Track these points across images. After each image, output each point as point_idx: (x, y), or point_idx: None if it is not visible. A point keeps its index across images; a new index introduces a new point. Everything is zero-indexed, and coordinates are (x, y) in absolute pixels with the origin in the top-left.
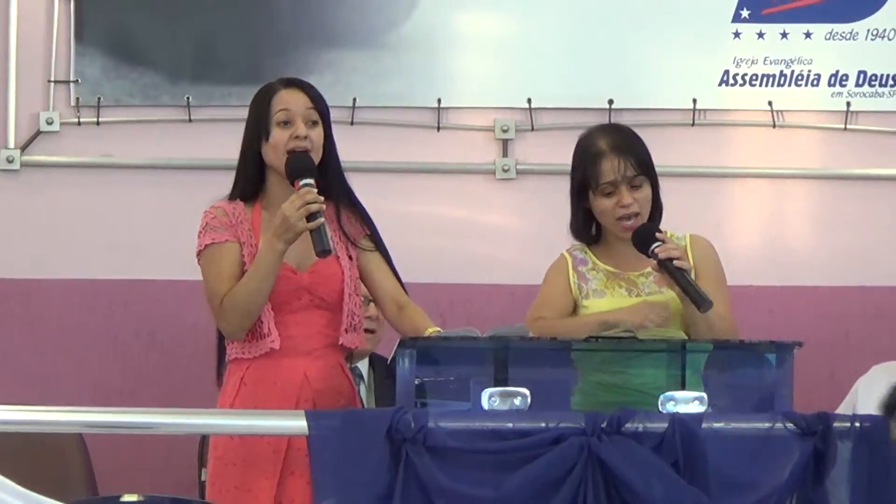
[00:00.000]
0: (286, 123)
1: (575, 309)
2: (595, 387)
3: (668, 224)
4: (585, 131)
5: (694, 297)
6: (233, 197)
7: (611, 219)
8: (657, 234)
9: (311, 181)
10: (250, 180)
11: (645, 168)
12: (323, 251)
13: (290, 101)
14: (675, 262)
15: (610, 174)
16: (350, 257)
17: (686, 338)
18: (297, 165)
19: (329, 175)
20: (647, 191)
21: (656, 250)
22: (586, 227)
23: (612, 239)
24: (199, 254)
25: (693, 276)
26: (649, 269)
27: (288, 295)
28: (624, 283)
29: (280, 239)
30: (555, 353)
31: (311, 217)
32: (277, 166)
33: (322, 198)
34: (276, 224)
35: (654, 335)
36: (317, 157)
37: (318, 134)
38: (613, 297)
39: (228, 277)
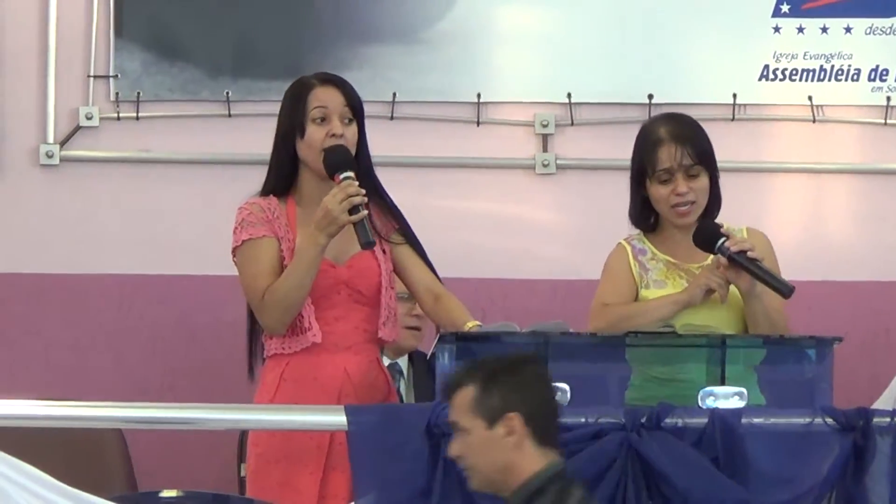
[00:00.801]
0: (322, 120)
1: (636, 297)
2: (649, 381)
3: (722, 217)
4: (648, 120)
5: (775, 284)
6: (265, 192)
7: (666, 206)
8: (723, 231)
9: (352, 174)
10: (283, 175)
11: (703, 158)
12: (367, 243)
13: (327, 99)
14: (748, 253)
15: (666, 161)
16: (384, 251)
17: (726, 333)
18: (337, 159)
19: (360, 172)
20: (704, 181)
21: (727, 244)
22: (643, 215)
23: (669, 228)
24: (235, 250)
25: None
26: (707, 261)
27: (327, 289)
28: (684, 274)
29: (323, 232)
30: (594, 348)
31: (353, 210)
32: (311, 163)
33: (363, 190)
34: (319, 217)
35: (695, 330)
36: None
37: (352, 132)
38: (674, 287)
39: (268, 273)
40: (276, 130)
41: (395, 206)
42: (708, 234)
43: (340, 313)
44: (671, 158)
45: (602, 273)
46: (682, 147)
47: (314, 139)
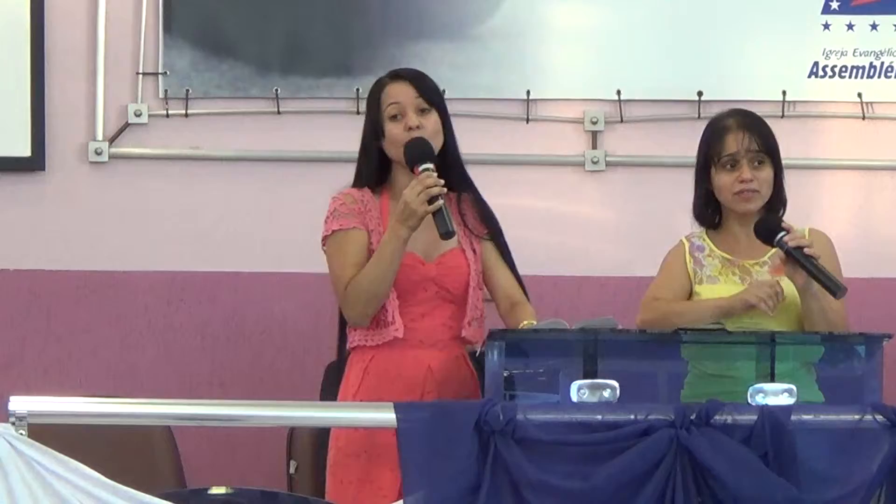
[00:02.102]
0: (397, 117)
1: (690, 294)
2: (702, 378)
3: None
4: (716, 114)
5: (827, 283)
6: (362, 184)
7: (729, 194)
8: (783, 226)
9: (430, 165)
10: (373, 172)
11: (769, 150)
12: (446, 233)
13: (398, 94)
14: (804, 249)
15: (733, 146)
16: (474, 251)
17: (776, 330)
18: (416, 152)
19: (448, 162)
20: (768, 172)
21: (785, 238)
22: (707, 210)
23: (731, 224)
24: (324, 239)
25: None
26: (765, 258)
27: (414, 285)
28: (738, 271)
29: (403, 225)
30: (643, 345)
31: (431, 201)
32: (397, 158)
33: (442, 181)
34: (399, 210)
35: (744, 327)
36: (436, 143)
37: (431, 120)
38: (727, 283)
39: (354, 264)
40: (363, 130)
41: (486, 205)
42: (769, 226)
43: (426, 310)
44: (738, 143)
45: (659, 268)
46: (749, 134)
47: (394, 136)
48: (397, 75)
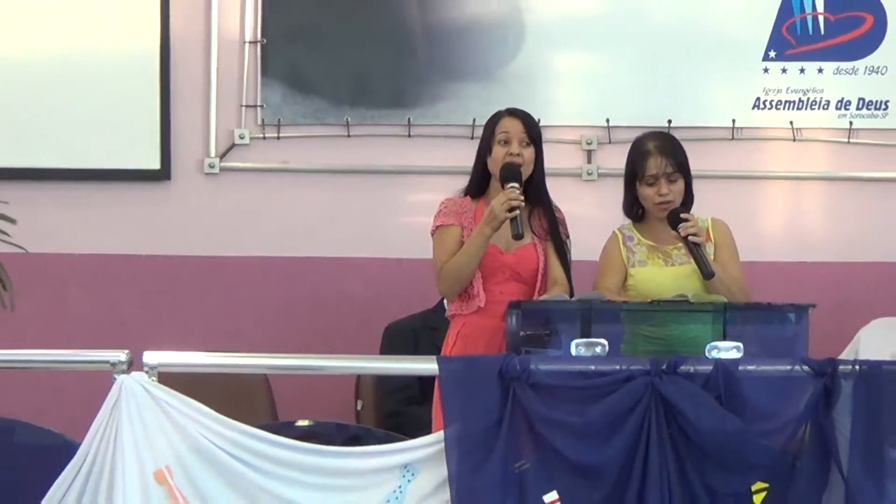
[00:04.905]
0: (505, 143)
1: (626, 276)
2: (640, 339)
3: (724, 214)
4: (640, 135)
5: (700, 266)
6: (465, 193)
7: (651, 203)
8: (682, 216)
9: (516, 185)
10: (477, 182)
11: (681, 167)
12: (516, 235)
13: (510, 127)
14: (690, 238)
15: (653, 169)
16: (544, 249)
17: (726, 301)
18: (508, 173)
19: (533, 184)
20: (681, 184)
21: (679, 227)
22: (633, 208)
23: (653, 218)
24: (432, 231)
25: (713, 249)
26: (680, 242)
27: (495, 269)
28: (661, 255)
29: (488, 226)
30: (626, 314)
31: (511, 210)
32: (496, 174)
33: (522, 197)
34: (486, 214)
35: (701, 299)
36: (527, 170)
37: (529, 153)
38: (654, 265)
39: (448, 252)
40: (478, 148)
41: (554, 216)
42: (674, 217)
43: (505, 288)
44: (657, 167)
45: (600, 255)
46: (665, 158)
47: (497, 156)
48: (513, 113)
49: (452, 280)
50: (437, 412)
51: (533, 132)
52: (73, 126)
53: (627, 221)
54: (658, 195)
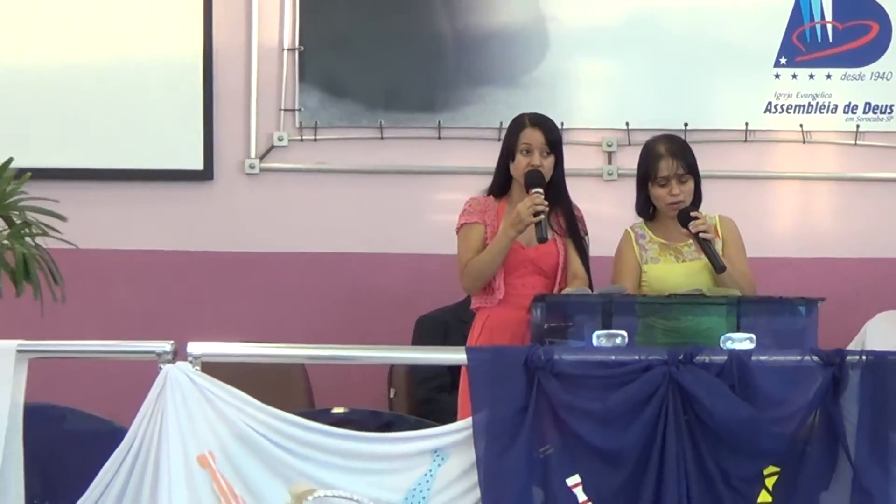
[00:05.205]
0: (527, 152)
1: (640, 272)
2: (654, 332)
3: (737, 212)
4: (650, 139)
5: (712, 261)
6: (489, 192)
7: (663, 203)
8: (692, 214)
9: (540, 190)
10: (500, 184)
11: (691, 169)
12: (541, 238)
13: (532, 138)
14: (701, 234)
15: (665, 171)
16: (563, 245)
17: (739, 295)
18: (532, 179)
19: (553, 186)
20: (691, 185)
21: (689, 225)
22: (645, 207)
23: (664, 217)
24: (457, 229)
25: (721, 245)
26: (690, 240)
27: (518, 263)
28: (673, 252)
29: (513, 227)
30: (643, 306)
31: (536, 214)
32: (519, 179)
33: (546, 202)
34: (512, 217)
35: (715, 293)
36: (547, 176)
37: (550, 162)
38: (666, 262)
39: (472, 250)
40: (500, 151)
41: (573, 215)
42: (684, 216)
43: (527, 282)
44: (668, 169)
45: (614, 255)
46: (676, 161)
47: (520, 165)
48: (535, 123)
49: (475, 277)
50: (463, 400)
51: (553, 140)
52: (122, 129)
53: (640, 220)
54: (670, 195)
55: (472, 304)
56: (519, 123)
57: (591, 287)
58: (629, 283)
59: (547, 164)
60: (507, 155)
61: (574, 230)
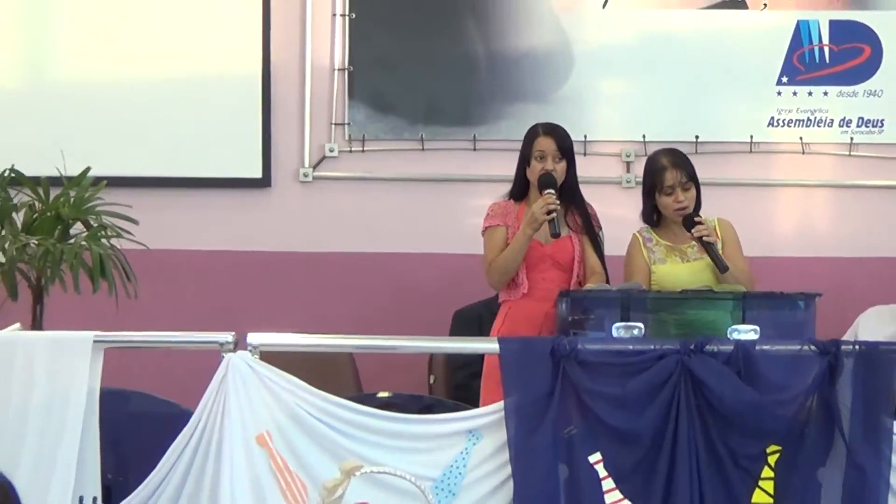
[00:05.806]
0: (541, 158)
1: (650, 272)
2: (664, 325)
3: (742, 217)
4: (653, 153)
5: (716, 262)
6: (509, 197)
7: (670, 210)
8: (696, 219)
9: (553, 191)
10: (519, 189)
11: (691, 177)
12: (554, 234)
13: (545, 146)
14: (704, 238)
15: (670, 181)
16: (579, 241)
17: (745, 291)
18: (545, 181)
19: (567, 187)
20: (693, 192)
21: (692, 230)
22: (651, 215)
23: (668, 222)
24: (483, 231)
25: (721, 246)
26: (693, 242)
27: (537, 259)
28: (678, 253)
29: (529, 226)
30: (658, 301)
31: (549, 213)
32: (535, 183)
33: (559, 202)
34: (528, 216)
35: (723, 289)
36: (560, 179)
37: (561, 167)
38: (672, 263)
39: (496, 249)
40: (518, 158)
41: (587, 213)
42: (688, 221)
43: (546, 276)
44: (673, 178)
45: (625, 259)
46: (679, 171)
47: (535, 170)
48: (548, 132)
49: (500, 273)
50: (485, 385)
51: (564, 147)
52: (188, 140)
53: (645, 226)
54: (676, 202)
55: (500, 297)
56: (533, 133)
57: (607, 279)
58: (642, 282)
59: (559, 168)
60: (523, 162)
61: (588, 226)
